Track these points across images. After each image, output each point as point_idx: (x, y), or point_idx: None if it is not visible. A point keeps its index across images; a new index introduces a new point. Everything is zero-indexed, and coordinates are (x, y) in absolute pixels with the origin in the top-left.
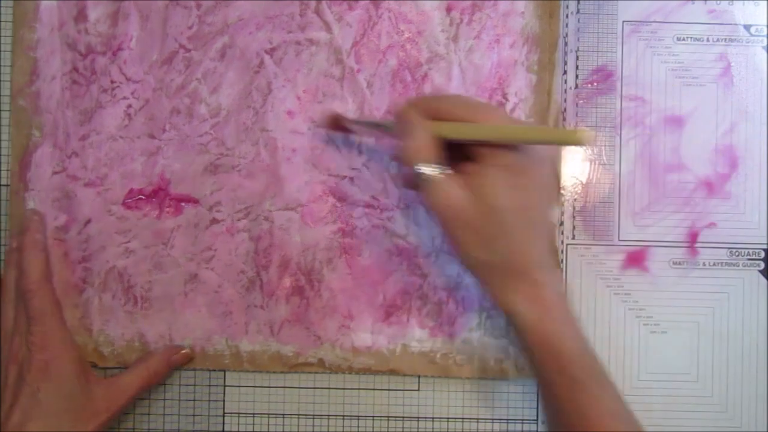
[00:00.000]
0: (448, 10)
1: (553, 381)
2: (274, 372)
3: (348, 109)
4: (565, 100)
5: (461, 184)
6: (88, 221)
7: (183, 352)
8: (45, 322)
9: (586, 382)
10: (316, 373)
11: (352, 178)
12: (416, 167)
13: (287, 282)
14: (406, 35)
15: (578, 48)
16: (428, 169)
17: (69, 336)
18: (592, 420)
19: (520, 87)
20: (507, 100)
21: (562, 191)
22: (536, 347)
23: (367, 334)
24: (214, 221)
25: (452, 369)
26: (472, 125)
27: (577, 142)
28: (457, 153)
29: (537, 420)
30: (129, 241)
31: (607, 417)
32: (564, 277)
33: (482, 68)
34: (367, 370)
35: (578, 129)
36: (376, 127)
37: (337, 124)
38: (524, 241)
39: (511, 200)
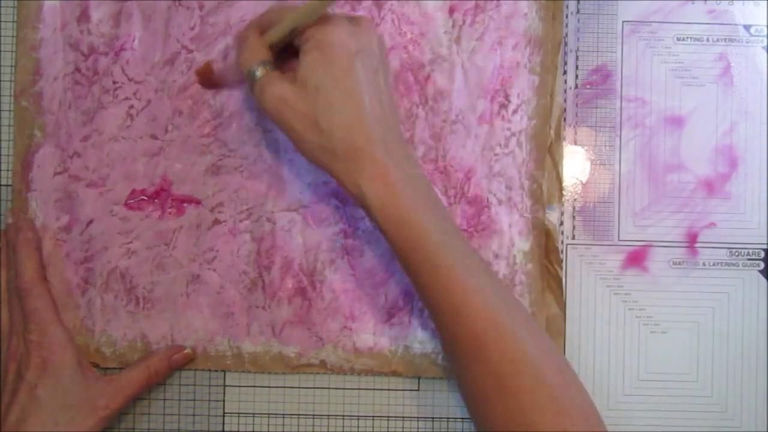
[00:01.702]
0: (451, 11)
1: (416, 267)
2: (274, 372)
3: None
4: (565, 100)
5: (286, 78)
6: (90, 222)
7: (184, 352)
8: (42, 321)
9: (451, 265)
10: (317, 373)
11: None
12: (247, 70)
13: (289, 283)
14: (409, 36)
15: (578, 48)
16: (258, 71)
17: (66, 333)
18: (462, 311)
19: (522, 89)
20: (509, 101)
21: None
22: (389, 229)
23: (369, 336)
24: (217, 222)
25: None
26: (280, 23)
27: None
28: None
29: None
30: (131, 242)
31: (480, 305)
32: (564, 276)
33: (485, 70)
34: (369, 372)
35: None
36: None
37: (208, 77)
38: (354, 118)
39: (327, 76)
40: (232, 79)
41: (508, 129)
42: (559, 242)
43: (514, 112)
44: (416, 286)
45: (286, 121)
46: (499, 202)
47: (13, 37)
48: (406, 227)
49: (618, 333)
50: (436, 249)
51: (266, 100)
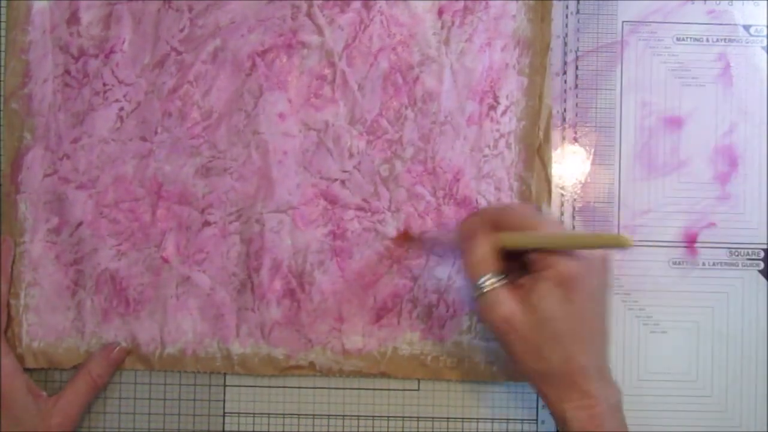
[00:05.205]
0: (440, 13)
1: None
2: (264, 375)
3: (339, 112)
4: (565, 101)
5: (515, 297)
6: (80, 224)
7: (119, 348)
8: None
9: None
10: (306, 375)
11: (343, 181)
12: (475, 281)
13: (278, 285)
14: (398, 38)
15: (578, 48)
16: (487, 282)
17: (14, 362)
18: None
19: (511, 90)
20: (498, 103)
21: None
22: None
23: (358, 337)
24: (206, 224)
25: (442, 372)
26: (529, 234)
27: (619, 245)
28: (514, 263)
29: (537, 420)
30: (121, 244)
31: None
32: None
33: (474, 71)
34: (358, 373)
35: (620, 234)
36: (444, 240)
37: (409, 240)
38: (576, 351)
39: (561, 311)
40: (434, 248)
41: (497, 130)
42: None
43: (503, 113)
44: None
45: (509, 342)
46: (488, 204)
47: (1, 38)
48: None
49: (618, 333)
50: None
51: (492, 318)
